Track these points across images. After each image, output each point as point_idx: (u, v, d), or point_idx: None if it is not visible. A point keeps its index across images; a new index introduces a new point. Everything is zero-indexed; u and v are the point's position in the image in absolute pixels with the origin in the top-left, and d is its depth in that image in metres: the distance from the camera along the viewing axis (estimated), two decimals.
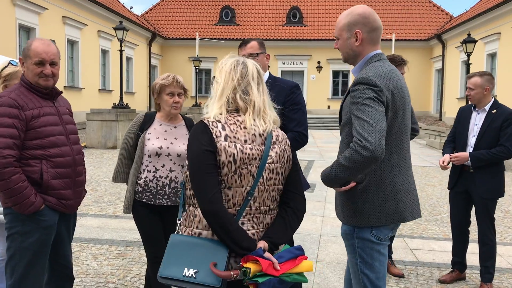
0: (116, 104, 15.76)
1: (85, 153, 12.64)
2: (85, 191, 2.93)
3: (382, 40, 25.38)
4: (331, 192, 8.12)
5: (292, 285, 1.93)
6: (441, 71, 27.15)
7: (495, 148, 3.96)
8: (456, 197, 4.27)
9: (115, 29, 16.22)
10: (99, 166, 10.74)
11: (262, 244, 1.89)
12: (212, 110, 1.98)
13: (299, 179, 2.10)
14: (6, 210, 2.60)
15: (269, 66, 3.41)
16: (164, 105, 3.17)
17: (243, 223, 1.93)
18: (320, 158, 13.25)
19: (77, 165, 2.77)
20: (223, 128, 1.92)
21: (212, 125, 1.92)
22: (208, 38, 29.05)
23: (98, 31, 21.72)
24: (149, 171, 3.13)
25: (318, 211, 6.83)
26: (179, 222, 2.07)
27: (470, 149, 4.12)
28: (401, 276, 4.36)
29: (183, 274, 1.82)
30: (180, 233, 1.99)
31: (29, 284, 2.59)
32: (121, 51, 16.21)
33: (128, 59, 25.59)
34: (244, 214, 1.93)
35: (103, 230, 5.62)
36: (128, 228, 5.65)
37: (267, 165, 1.95)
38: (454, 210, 4.31)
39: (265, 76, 3.31)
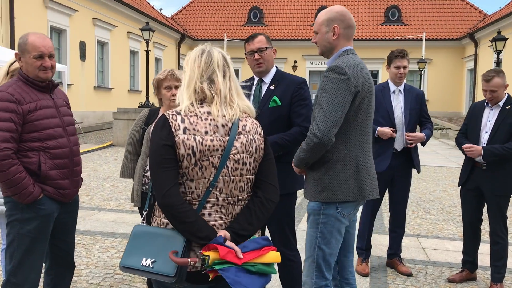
0: (143, 103, 16.03)
1: (111, 151, 12.93)
2: (82, 179, 3.00)
3: (413, 39, 24.98)
4: None
5: (268, 282, 1.92)
6: (473, 71, 26.46)
7: (510, 143, 3.85)
8: (467, 194, 4.17)
9: (141, 30, 16.50)
10: None
11: (223, 233, 1.88)
12: (183, 101, 1.96)
13: (272, 168, 2.07)
14: (6, 198, 2.69)
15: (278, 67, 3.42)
16: (163, 99, 3.23)
17: (210, 214, 1.92)
18: None
19: (74, 155, 2.85)
20: (182, 120, 1.90)
21: (172, 118, 1.90)
22: (236, 39, 29.20)
23: (128, 32, 22.14)
24: None
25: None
26: (145, 212, 2.10)
27: (483, 145, 4.02)
28: (409, 274, 4.29)
29: (141, 264, 1.84)
30: (144, 223, 2.00)
31: (27, 269, 2.68)
32: (147, 51, 16.47)
33: (157, 60, 25.99)
34: (210, 205, 1.92)
35: (118, 224, 5.74)
36: None
37: (231, 155, 1.92)
38: (465, 208, 4.21)
39: (272, 71, 3.32)
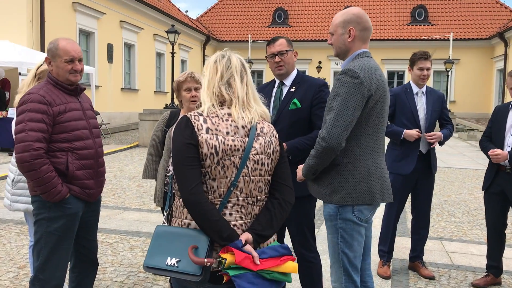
0: (168, 105, 16.23)
1: (137, 152, 13.13)
2: (105, 180, 3.09)
3: (440, 39, 24.58)
4: None
5: (282, 285, 1.94)
6: (502, 71, 25.86)
7: None
8: (492, 199, 4.11)
9: (167, 32, 16.71)
10: None
11: (245, 236, 1.91)
12: (205, 102, 2.03)
13: (287, 170, 2.12)
14: (34, 197, 2.80)
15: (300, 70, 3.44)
16: (183, 100, 3.30)
17: (231, 214, 1.97)
18: None
19: (99, 156, 2.94)
20: (205, 121, 1.96)
21: (194, 119, 1.97)
22: (260, 40, 29.26)
23: (154, 34, 22.45)
24: None
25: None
26: (165, 213, 2.16)
27: (507, 148, 3.95)
28: (431, 278, 4.25)
29: (166, 263, 1.88)
30: (165, 224, 2.05)
31: (54, 266, 2.77)
32: (173, 53, 16.67)
33: (183, 61, 26.26)
34: (231, 205, 1.97)
35: (143, 224, 5.85)
36: None
37: (251, 156, 1.98)
38: (489, 212, 4.15)
39: (293, 74, 3.34)
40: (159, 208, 6.57)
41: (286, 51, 3.27)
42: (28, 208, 3.23)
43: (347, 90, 2.42)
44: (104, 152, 11.11)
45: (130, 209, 6.65)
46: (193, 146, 1.93)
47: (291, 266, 1.93)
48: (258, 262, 1.86)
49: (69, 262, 3.08)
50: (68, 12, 15.88)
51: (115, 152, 12.81)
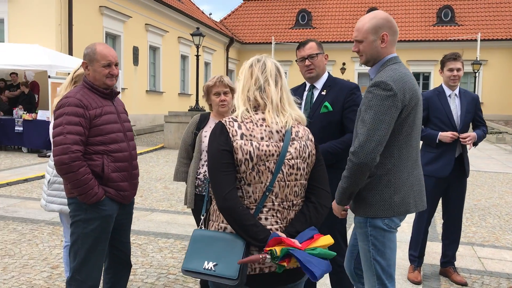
0: (192, 107, 16.35)
1: (162, 153, 13.26)
2: (138, 182, 3.13)
3: (467, 40, 24.19)
4: None
5: (329, 266, 1.94)
6: None
7: None
8: None
9: (192, 35, 16.84)
10: (174, 165, 11.19)
11: (278, 233, 1.94)
12: (239, 107, 2.05)
13: (324, 174, 2.12)
14: (70, 199, 2.85)
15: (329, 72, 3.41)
16: (213, 104, 3.34)
17: (266, 218, 1.98)
18: None
19: (133, 159, 2.98)
20: (239, 127, 1.97)
21: (229, 125, 1.98)
22: (284, 42, 29.25)
23: (178, 37, 22.66)
24: (207, 165, 3.30)
25: None
26: (202, 217, 2.19)
27: None
28: (464, 284, 4.17)
29: (203, 267, 1.91)
30: (202, 228, 2.08)
31: (90, 267, 2.82)
32: (197, 56, 16.79)
33: (206, 64, 26.43)
34: (267, 209, 1.98)
35: (171, 225, 5.90)
36: (194, 224, 5.87)
37: (286, 160, 1.98)
38: None
39: (324, 77, 3.32)
40: (187, 210, 6.63)
41: (316, 54, 3.25)
42: (63, 209, 3.30)
43: (380, 103, 2.35)
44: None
45: (158, 210, 6.72)
46: (228, 152, 1.94)
47: (326, 238, 1.98)
48: (299, 245, 1.90)
49: (103, 264, 3.13)
50: (95, 16, 16.16)
51: (141, 154, 12.96)
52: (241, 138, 1.95)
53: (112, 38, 17.65)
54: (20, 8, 14.41)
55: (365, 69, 29.62)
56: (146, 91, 19.77)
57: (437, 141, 4.12)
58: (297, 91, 3.41)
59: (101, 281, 3.28)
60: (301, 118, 2.11)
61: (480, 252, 5.17)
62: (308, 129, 2.14)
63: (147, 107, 19.74)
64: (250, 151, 1.94)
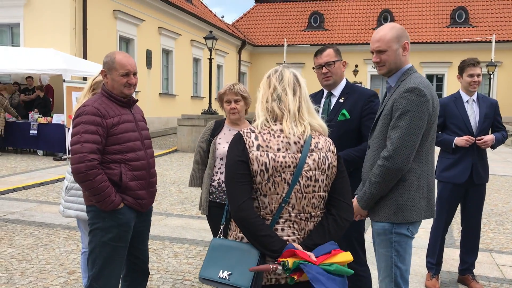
0: (205, 110, 16.39)
1: (176, 157, 13.31)
2: (156, 190, 3.14)
3: (482, 42, 23.94)
4: None
5: (345, 283, 1.92)
6: None
7: None
8: None
9: (205, 38, 16.89)
10: (188, 169, 11.23)
11: (294, 245, 1.93)
12: (258, 117, 2.06)
13: (346, 186, 2.10)
14: (89, 207, 2.86)
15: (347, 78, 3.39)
16: (225, 112, 3.37)
17: (283, 229, 1.98)
18: None
19: (151, 167, 2.98)
20: (256, 138, 1.98)
21: (246, 135, 1.99)
22: (296, 44, 29.22)
23: (191, 40, 22.76)
24: (221, 173, 3.32)
25: None
26: (222, 226, 2.20)
27: None
28: None
29: (218, 276, 1.93)
30: (221, 237, 2.09)
31: (108, 275, 2.83)
32: (210, 59, 16.84)
33: (219, 66, 26.50)
34: (283, 220, 1.98)
35: (185, 230, 5.91)
36: (208, 229, 5.87)
37: (303, 172, 1.97)
38: None
39: (342, 84, 3.30)
40: (201, 215, 6.63)
41: (334, 62, 3.22)
42: (79, 215, 3.32)
43: (415, 109, 2.43)
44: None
45: (172, 215, 6.73)
46: (244, 163, 1.95)
47: (345, 255, 1.95)
48: (315, 259, 1.88)
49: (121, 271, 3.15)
50: (109, 20, 16.29)
51: (154, 157, 13.00)
52: (257, 149, 1.96)
53: (125, 42, 17.78)
54: (35, 13, 14.58)
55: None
56: (159, 94, 19.88)
57: (453, 146, 4.07)
58: (315, 98, 3.38)
59: None
60: (321, 127, 2.09)
61: (499, 259, 5.09)
62: (331, 141, 2.12)
63: (160, 110, 19.84)
64: (265, 162, 1.94)
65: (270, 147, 1.96)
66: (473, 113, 4.15)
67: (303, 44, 29.64)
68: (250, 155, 1.95)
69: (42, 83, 13.85)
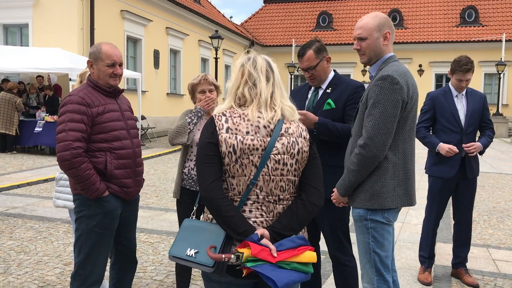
0: None
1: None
2: (143, 180, 3.17)
3: (491, 41, 23.76)
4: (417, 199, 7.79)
5: (306, 279, 1.93)
6: None
7: None
8: None
9: (211, 37, 16.99)
10: None
11: (261, 231, 1.95)
12: (221, 105, 2.11)
13: (317, 172, 2.12)
14: (75, 196, 2.92)
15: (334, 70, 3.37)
16: (198, 101, 3.40)
17: (250, 211, 2.01)
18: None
19: (137, 156, 3.02)
20: (226, 121, 2.02)
21: (218, 118, 2.03)
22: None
23: (199, 40, 22.86)
24: (191, 160, 3.38)
25: (399, 217, 6.54)
26: (195, 208, 2.24)
27: None
28: (475, 286, 4.10)
29: (186, 254, 1.97)
30: (193, 217, 2.13)
31: (94, 262, 2.88)
32: (216, 58, 16.93)
33: (227, 66, 26.57)
34: (251, 202, 2.01)
35: None
36: None
37: (272, 155, 2.00)
38: None
39: (329, 77, 3.28)
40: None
41: (315, 66, 3.17)
42: (67, 205, 3.39)
43: (388, 97, 2.45)
44: (150, 155, 11.37)
45: (172, 210, 6.78)
46: (213, 145, 2.00)
47: (309, 255, 1.94)
48: (275, 254, 1.89)
49: (109, 259, 3.19)
50: (116, 20, 16.44)
51: (159, 155, 13.12)
52: (227, 131, 2.00)
53: (133, 42, 17.92)
54: (44, 13, 14.77)
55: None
56: (167, 93, 20.00)
57: (436, 151, 4.08)
58: (302, 89, 3.40)
59: (108, 277, 3.35)
60: (291, 108, 2.12)
61: (495, 254, 5.07)
62: (304, 127, 2.15)
63: (168, 109, 19.96)
64: (233, 144, 1.98)
65: (239, 130, 2.00)
66: (462, 107, 4.13)
67: None
68: (219, 137, 1.99)
69: (51, 82, 14.02)
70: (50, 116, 12.38)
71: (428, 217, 4.29)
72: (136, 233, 5.37)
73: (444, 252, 4.99)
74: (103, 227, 2.87)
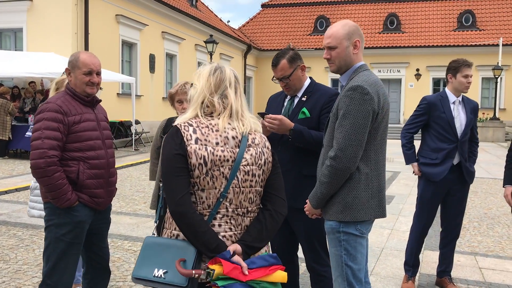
0: None
1: None
2: (116, 189, 3.13)
3: (489, 45, 23.76)
4: (407, 206, 7.75)
5: None
6: None
7: None
8: None
9: (205, 42, 16.97)
10: None
11: (233, 247, 1.89)
12: (185, 113, 2.03)
13: (280, 181, 2.09)
14: (45, 204, 2.88)
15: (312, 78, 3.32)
16: (177, 111, 3.40)
17: (220, 225, 1.95)
18: (407, 170, 12.63)
19: (110, 166, 3.00)
20: (194, 131, 1.95)
21: (184, 129, 1.96)
22: (302, 49, 29.19)
23: (195, 44, 22.84)
24: None
25: (388, 223, 6.53)
26: (155, 224, 2.18)
27: None
28: None
29: (153, 275, 1.89)
30: (155, 235, 2.06)
31: (61, 272, 2.83)
32: (211, 63, 16.86)
33: None
34: (220, 216, 1.95)
35: None
36: None
37: (241, 167, 1.96)
38: None
39: (305, 84, 3.21)
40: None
41: (289, 75, 3.11)
42: (42, 215, 3.32)
43: (358, 108, 2.39)
44: (141, 160, 11.27)
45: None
46: (182, 156, 1.92)
47: (280, 275, 1.91)
48: (246, 272, 1.84)
49: (82, 269, 3.15)
50: (111, 24, 16.41)
51: (115, 157, 13.03)
52: (196, 142, 1.93)
53: (128, 46, 17.89)
54: (38, 17, 14.75)
55: (385, 75, 29.42)
56: (163, 98, 19.95)
57: (406, 163, 4.16)
58: (277, 98, 3.36)
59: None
60: (257, 124, 2.10)
61: (482, 262, 5.00)
62: (265, 137, 2.12)
63: (163, 113, 19.83)
64: (204, 156, 1.92)
65: (209, 141, 1.94)
66: (458, 115, 4.05)
67: (309, 48, 29.62)
68: (188, 148, 1.92)
69: (44, 87, 13.98)
70: None
71: (416, 224, 4.21)
72: (120, 241, 5.37)
73: (430, 260, 4.93)
74: (72, 236, 2.83)
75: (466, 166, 4.06)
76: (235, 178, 1.95)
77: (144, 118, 17.66)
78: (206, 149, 1.92)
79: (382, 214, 2.56)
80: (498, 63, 24.20)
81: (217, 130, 1.97)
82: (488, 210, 7.71)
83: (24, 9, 14.90)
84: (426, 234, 4.28)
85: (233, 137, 1.97)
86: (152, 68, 19.08)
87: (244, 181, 1.97)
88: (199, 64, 23.75)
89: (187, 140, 1.93)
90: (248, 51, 29.42)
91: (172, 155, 1.93)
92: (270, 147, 2.09)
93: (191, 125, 1.97)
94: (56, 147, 2.73)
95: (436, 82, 28.95)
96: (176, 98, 3.39)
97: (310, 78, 3.30)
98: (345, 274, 2.54)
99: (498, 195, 9.14)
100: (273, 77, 3.24)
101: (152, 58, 19.05)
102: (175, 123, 2.04)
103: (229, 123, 1.99)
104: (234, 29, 30.77)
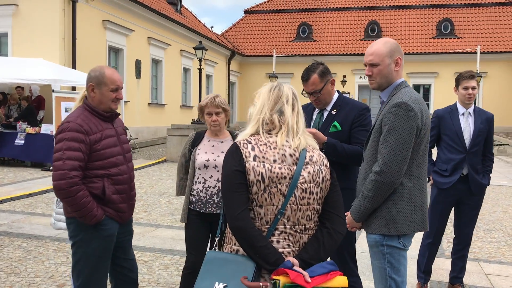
0: (195, 120, 16.38)
1: (165, 167, 13.26)
2: (135, 202, 3.17)
3: (467, 53, 24.20)
4: None
5: None
6: None
7: None
8: None
9: (195, 48, 16.95)
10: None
11: (291, 259, 1.94)
12: (245, 130, 2.09)
13: (339, 199, 2.13)
14: (69, 219, 2.87)
15: (340, 91, 3.40)
16: (206, 123, 3.44)
17: (278, 241, 2.00)
18: None
19: (132, 181, 3.03)
20: (253, 148, 2.01)
21: (243, 146, 2.02)
22: (285, 55, 29.39)
23: (181, 50, 22.79)
24: (199, 182, 3.39)
25: None
26: (217, 239, 2.22)
27: None
28: None
29: None
30: (216, 249, 2.10)
31: (93, 286, 2.84)
32: (200, 69, 16.88)
33: (208, 76, 26.53)
34: (278, 232, 2.00)
35: (176, 241, 5.88)
36: None
37: (299, 184, 2.00)
38: None
39: (334, 98, 3.31)
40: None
41: (320, 90, 3.20)
42: (60, 226, 3.33)
43: (403, 124, 2.47)
44: (136, 167, 11.11)
45: (162, 226, 6.70)
46: (241, 173, 1.98)
47: (340, 280, 1.96)
48: (309, 280, 1.89)
49: (110, 284, 3.14)
50: (98, 30, 16.27)
51: (143, 167, 12.96)
52: (254, 159, 1.98)
53: (115, 52, 17.75)
54: (24, 22, 14.52)
55: (365, 81, 29.75)
56: (149, 103, 19.84)
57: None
58: (307, 109, 3.42)
59: None
60: (314, 142, 2.16)
61: (487, 268, 5.15)
62: (324, 155, 2.16)
63: (150, 119, 19.80)
64: (262, 173, 1.97)
65: (267, 158, 1.99)
66: (468, 126, 4.17)
67: (292, 54, 29.84)
68: (247, 165, 1.97)
69: (32, 93, 13.75)
70: (31, 128, 12.13)
71: (428, 232, 4.32)
72: None
73: (438, 267, 5.05)
74: (102, 250, 2.85)
75: (474, 177, 4.17)
76: (293, 196, 1.99)
77: (130, 124, 17.48)
78: (264, 166, 1.98)
79: (424, 228, 2.64)
80: (476, 70, 24.80)
81: (274, 148, 2.02)
82: (482, 216, 7.90)
83: (9, 13, 14.64)
84: (439, 242, 4.40)
85: (290, 155, 2.02)
86: (138, 74, 18.96)
87: (301, 198, 2.01)
88: (184, 69, 23.72)
89: (246, 157, 1.99)
90: (232, 57, 29.47)
91: (231, 171, 1.99)
92: (328, 165, 2.13)
93: (250, 142, 2.03)
94: (78, 168, 2.72)
95: (416, 89, 29.34)
96: (206, 111, 3.41)
97: (338, 91, 3.38)
98: (389, 286, 2.61)
99: (487, 200, 9.37)
100: (303, 90, 3.30)
101: (138, 63, 18.94)
102: (236, 141, 2.09)
103: (287, 141, 2.04)
104: (218, 34, 30.79)
